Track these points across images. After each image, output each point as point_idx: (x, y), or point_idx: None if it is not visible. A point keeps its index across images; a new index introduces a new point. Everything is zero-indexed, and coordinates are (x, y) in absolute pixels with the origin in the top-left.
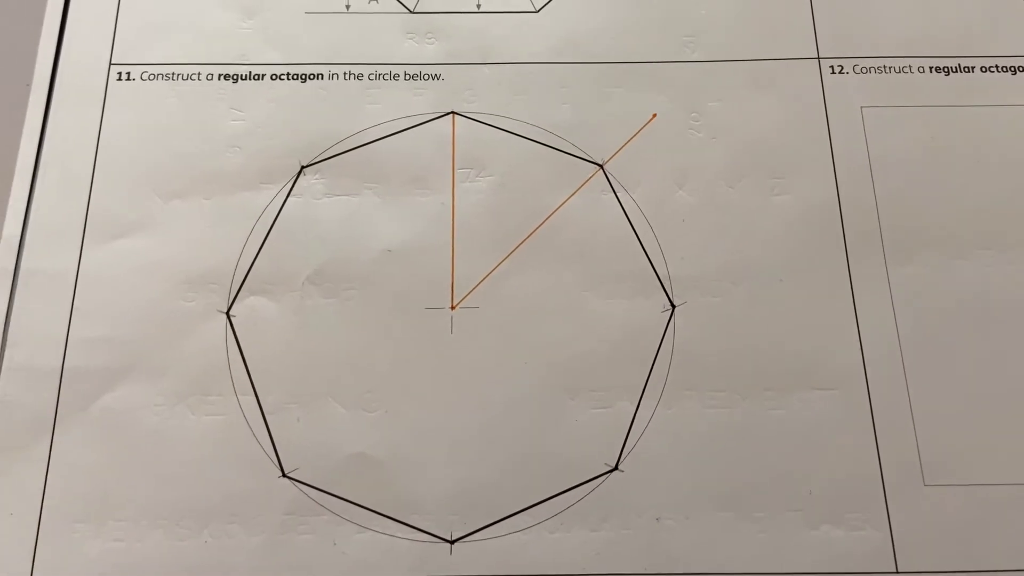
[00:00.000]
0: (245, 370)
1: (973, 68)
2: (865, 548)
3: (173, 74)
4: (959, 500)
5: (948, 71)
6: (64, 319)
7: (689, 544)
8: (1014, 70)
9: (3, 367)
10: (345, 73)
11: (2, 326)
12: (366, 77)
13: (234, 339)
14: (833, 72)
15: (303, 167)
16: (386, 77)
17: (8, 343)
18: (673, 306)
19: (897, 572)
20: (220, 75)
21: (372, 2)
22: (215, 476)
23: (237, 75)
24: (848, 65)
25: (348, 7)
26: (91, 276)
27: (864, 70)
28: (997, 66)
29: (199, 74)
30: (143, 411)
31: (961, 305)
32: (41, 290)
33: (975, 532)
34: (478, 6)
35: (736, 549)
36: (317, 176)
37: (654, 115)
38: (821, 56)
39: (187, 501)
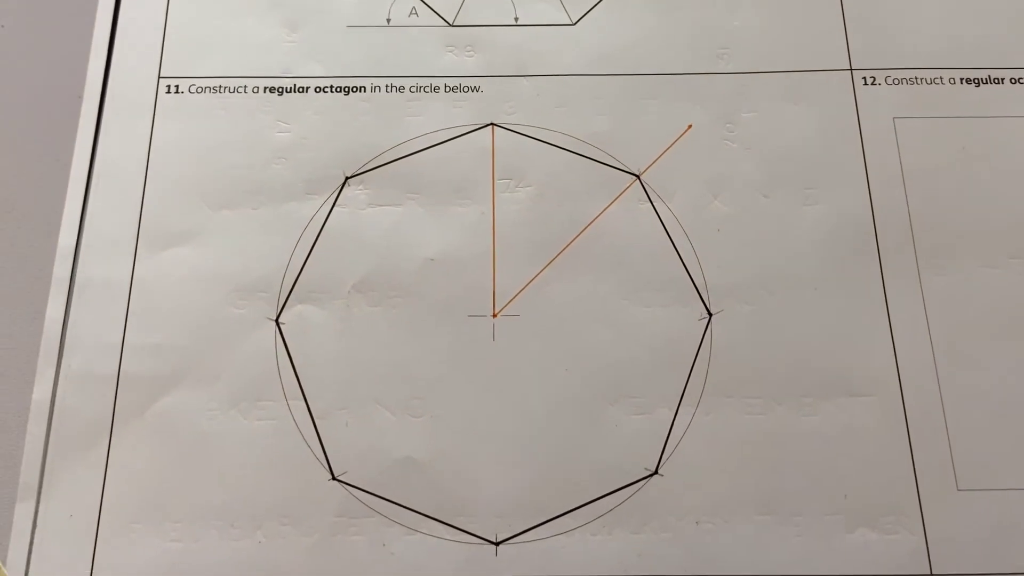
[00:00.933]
0: (295, 376)
1: (1003, 79)
2: (900, 551)
3: (220, 87)
4: (992, 504)
5: (978, 82)
6: (119, 327)
7: (728, 547)
8: None
9: (61, 374)
10: (387, 86)
11: (59, 334)
12: (407, 90)
13: (283, 346)
14: (865, 83)
15: (347, 178)
16: (427, 89)
17: (65, 350)
18: (710, 314)
19: (931, 574)
20: (266, 88)
21: (412, 15)
22: (267, 479)
23: (282, 88)
24: (880, 76)
25: (389, 21)
26: (145, 284)
27: (896, 81)
28: None
29: (245, 87)
30: (197, 416)
31: (993, 313)
32: (96, 298)
33: (1008, 535)
34: (516, 19)
35: (774, 552)
36: (361, 187)
37: (689, 126)
38: (853, 68)
39: (241, 503)
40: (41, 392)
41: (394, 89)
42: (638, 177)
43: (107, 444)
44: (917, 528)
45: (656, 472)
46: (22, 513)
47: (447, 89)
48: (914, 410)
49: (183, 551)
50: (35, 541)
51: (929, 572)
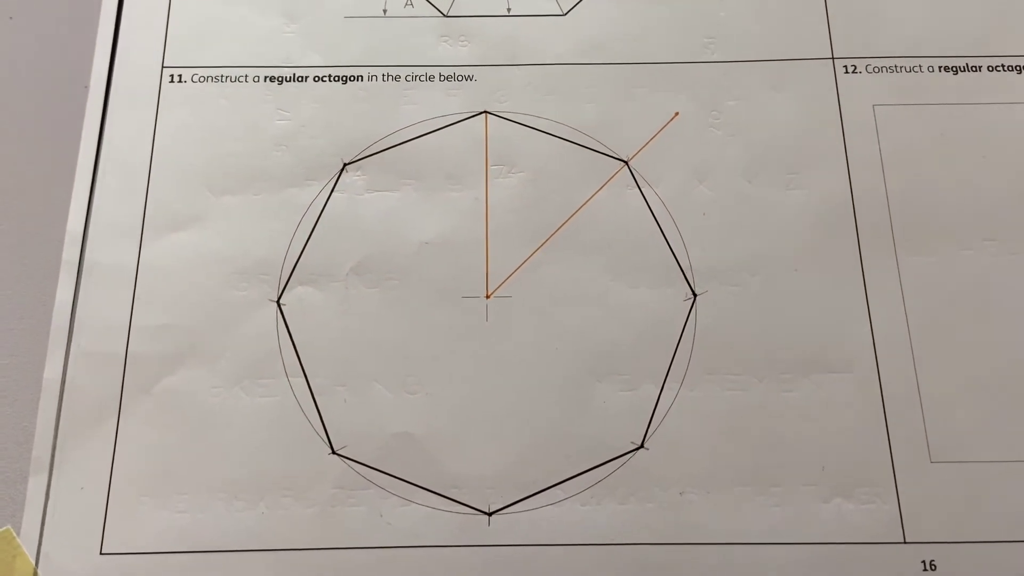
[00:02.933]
0: (295, 355)
1: (980, 67)
2: (875, 520)
3: (222, 76)
4: (963, 476)
5: (956, 70)
6: (126, 308)
7: (710, 516)
8: (1019, 69)
9: (71, 353)
10: (383, 75)
11: (69, 315)
12: (403, 79)
13: (284, 326)
14: (847, 72)
15: (345, 164)
16: (422, 79)
17: (75, 331)
18: (695, 295)
19: (905, 543)
20: (266, 77)
21: (408, 6)
22: (270, 453)
23: (282, 77)
24: (861, 65)
25: (385, 11)
26: (150, 267)
27: (876, 70)
28: (1004, 65)
29: (246, 76)
30: (202, 393)
31: (966, 293)
32: (104, 281)
33: (978, 506)
34: (508, 10)
35: (754, 521)
36: (358, 173)
37: (676, 113)
38: (835, 56)
39: (244, 476)
40: (52, 371)
41: (390, 78)
42: (626, 163)
43: (116, 420)
44: (891, 498)
45: (642, 446)
46: (35, 486)
47: (441, 78)
48: (890, 386)
49: (189, 522)
50: (48, 513)
51: (902, 540)
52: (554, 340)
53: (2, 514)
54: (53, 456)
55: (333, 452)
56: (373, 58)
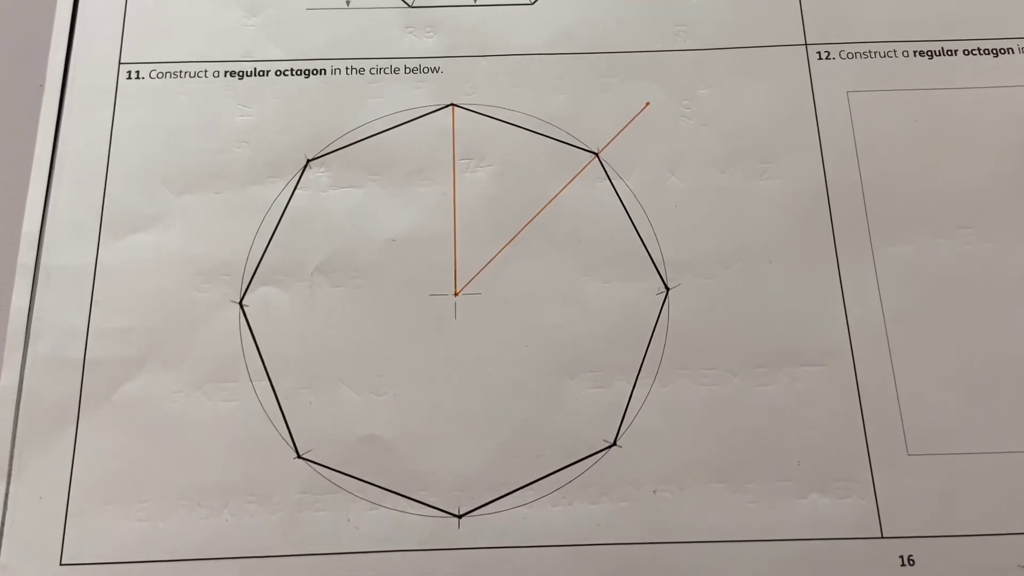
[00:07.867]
0: (259, 357)
1: (956, 51)
2: (851, 515)
3: (181, 72)
4: (940, 469)
5: (931, 55)
6: (84, 311)
7: (684, 514)
8: (995, 52)
9: (28, 359)
10: (347, 68)
11: (25, 320)
12: (368, 71)
13: (247, 328)
14: (820, 58)
15: (309, 160)
16: (387, 71)
17: (31, 336)
18: (667, 288)
19: (882, 537)
20: (226, 72)
21: None
22: (234, 458)
23: (243, 72)
24: (834, 51)
25: (348, 3)
26: (109, 269)
27: (850, 55)
28: (979, 48)
29: (206, 72)
30: (163, 398)
31: (943, 283)
32: (61, 284)
33: (955, 499)
34: (475, 0)
35: (729, 518)
36: (323, 169)
37: (647, 103)
38: (808, 42)
39: (208, 482)
40: (8, 378)
41: (354, 71)
42: (597, 155)
43: (75, 427)
44: (868, 493)
45: (615, 444)
46: None
47: (407, 70)
48: (865, 378)
49: (151, 530)
50: (6, 523)
51: (880, 535)
52: (524, 337)
53: None
54: (11, 465)
55: (299, 456)
56: (336, 51)
